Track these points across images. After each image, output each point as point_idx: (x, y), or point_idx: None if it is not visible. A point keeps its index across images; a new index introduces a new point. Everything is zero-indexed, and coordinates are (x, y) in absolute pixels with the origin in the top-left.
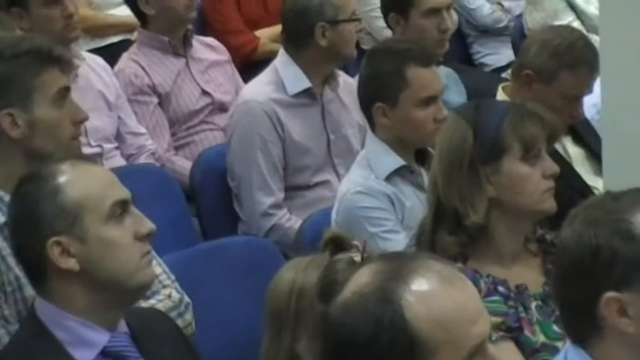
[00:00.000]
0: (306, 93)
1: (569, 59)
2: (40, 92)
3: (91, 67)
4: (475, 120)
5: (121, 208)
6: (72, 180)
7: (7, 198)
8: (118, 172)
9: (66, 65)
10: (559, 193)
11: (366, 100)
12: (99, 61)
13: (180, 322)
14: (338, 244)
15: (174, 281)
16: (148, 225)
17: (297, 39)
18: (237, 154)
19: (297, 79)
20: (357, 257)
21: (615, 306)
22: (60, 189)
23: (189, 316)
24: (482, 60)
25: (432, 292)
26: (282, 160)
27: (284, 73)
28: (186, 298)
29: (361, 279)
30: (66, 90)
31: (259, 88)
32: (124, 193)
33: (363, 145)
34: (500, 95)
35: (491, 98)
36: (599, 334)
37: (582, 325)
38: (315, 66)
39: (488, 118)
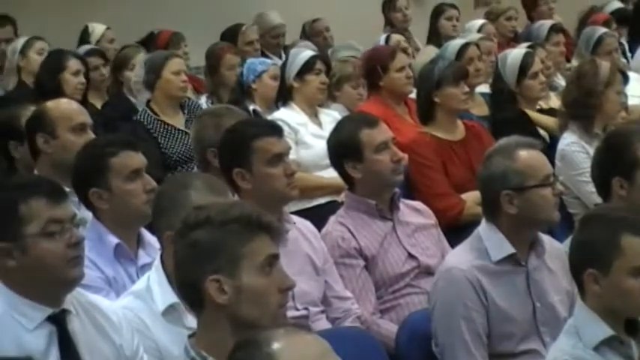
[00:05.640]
0: (510, 259)
1: None
2: (248, 259)
3: (300, 231)
4: None
5: None
6: (286, 349)
7: None
8: (323, 335)
9: (275, 233)
10: None
11: (578, 266)
12: (308, 225)
13: None
14: None
15: None
16: None
17: (488, 207)
18: (440, 321)
19: (500, 246)
20: None
21: None
22: (273, 357)
23: None
24: None
25: None
26: (486, 328)
27: (487, 240)
28: None
29: None
30: (274, 258)
31: (463, 255)
32: None
33: (570, 312)
34: None
35: None
36: None
37: None
38: (513, 233)
39: None
